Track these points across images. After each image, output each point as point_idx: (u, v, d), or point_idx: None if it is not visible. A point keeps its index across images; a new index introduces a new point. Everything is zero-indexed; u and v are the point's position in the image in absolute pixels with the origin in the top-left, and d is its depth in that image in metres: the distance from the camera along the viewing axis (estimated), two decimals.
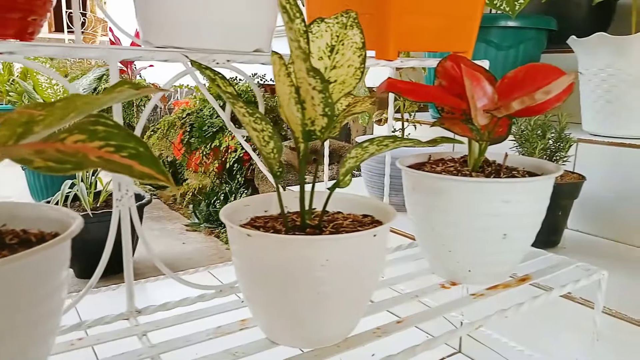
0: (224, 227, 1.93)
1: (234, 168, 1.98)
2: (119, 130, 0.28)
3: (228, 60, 0.50)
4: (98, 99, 0.30)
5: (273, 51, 0.39)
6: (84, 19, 8.13)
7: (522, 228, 0.51)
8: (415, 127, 1.20)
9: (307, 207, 0.43)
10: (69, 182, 1.32)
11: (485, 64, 0.72)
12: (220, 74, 0.43)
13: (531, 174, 0.57)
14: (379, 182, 1.13)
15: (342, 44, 0.45)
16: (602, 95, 0.99)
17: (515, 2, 0.99)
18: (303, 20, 0.38)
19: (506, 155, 0.58)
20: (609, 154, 0.95)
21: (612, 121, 0.98)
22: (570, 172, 0.91)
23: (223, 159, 2.15)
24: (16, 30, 0.44)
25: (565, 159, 0.88)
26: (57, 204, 1.29)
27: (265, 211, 0.49)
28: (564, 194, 0.85)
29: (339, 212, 0.49)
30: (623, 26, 1.16)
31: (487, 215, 0.49)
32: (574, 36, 1.02)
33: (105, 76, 2.65)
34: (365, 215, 0.47)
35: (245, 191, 1.88)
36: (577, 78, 1.08)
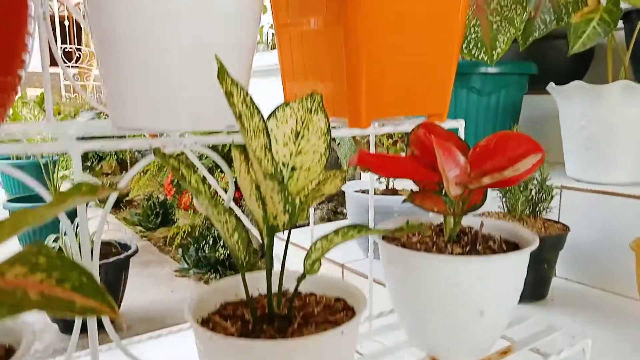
0: (214, 272, 1.91)
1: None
2: (61, 260, 0.27)
3: (196, 143, 0.49)
4: (50, 209, 0.29)
5: (234, 145, 0.39)
6: (79, 54, 8.24)
7: (500, 304, 0.50)
8: None
9: (277, 289, 0.42)
10: (52, 236, 1.30)
11: (460, 123, 0.72)
12: (184, 162, 0.43)
13: (507, 243, 0.56)
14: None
15: (307, 129, 0.44)
16: (582, 142, 0.99)
17: (493, 52, 1.00)
18: (261, 117, 0.38)
19: (482, 224, 0.58)
20: (592, 202, 0.95)
21: (593, 167, 0.99)
22: (554, 221, 0.90)
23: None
24: None
25: (548, 209, 0.88)
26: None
27: (236, 295, 0.48)
28: (549, 247, 0.85)
29: (312, 294, 0.48)
30: (602, 67, 1.17)
31: (462, 292, 0.48)
32: (552, 83, 1.03)
33: (99, 115, 2.66)
34: (337, 299, 0.46)
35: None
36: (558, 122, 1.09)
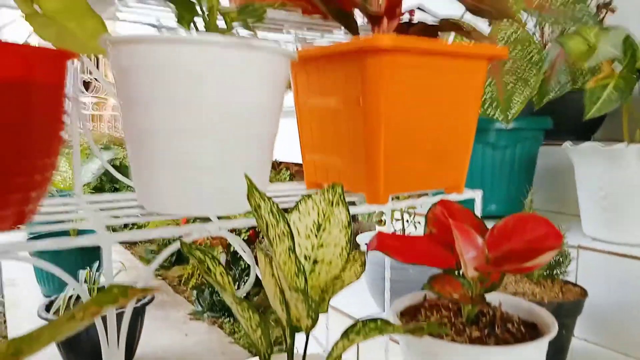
0: (228, 316, 1.91)
1: (238, 252, 1.98)
2: None
3: (220, 228, 0.51)
4: (85, 319, 0.30)
5: (260, 248, 0.40)
6: (97, 84, 8.46)
7: None
8: (416, 227, 1.21)
9: None
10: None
11: (477, 194, 0.73)
12: (210, 254, 0.44)
13: (526, 324, 0.56)
14: (380, 286, 1.12)
15: (329, 222, 0.46)
16: (599, 202, 0.99)
17: (508, 112, 1.02)
18: (286, 221, 0.39)
19: (500, 304, 0.58)
20: (611, 263, 0.94)
21: (611, 228, 0.98)
22: (572, 284, 0.89)
23: (227, 242, 2.15)
24: (14, 213, 0.45)
25: (565, 274, 0.87)
26: (58, 309, 1.29)
27: None
28: (567, 312, 0.84)
29: None
30: (618, 119, 1.17)
31: None
32: (568, 143, 1.04)
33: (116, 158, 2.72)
34: None
35: (248, 278, 1.87)
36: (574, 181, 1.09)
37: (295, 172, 2.68)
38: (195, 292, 1.98)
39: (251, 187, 0.35)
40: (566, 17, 1.06)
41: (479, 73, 0.65)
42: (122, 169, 3.85)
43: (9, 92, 0.39)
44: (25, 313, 1.79)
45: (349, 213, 0.46)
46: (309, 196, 0.46)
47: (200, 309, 1.87)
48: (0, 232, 0.43)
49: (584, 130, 1.41)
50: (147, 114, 0.49)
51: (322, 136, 0.68)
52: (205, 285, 1.93)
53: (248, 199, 0.36)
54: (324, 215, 0.46)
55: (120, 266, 1.79)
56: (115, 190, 4.38)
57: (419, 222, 1.21)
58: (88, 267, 1.39)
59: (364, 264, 0.49)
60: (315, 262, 0.45)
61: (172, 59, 0.46)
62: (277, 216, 0.38)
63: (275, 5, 0.62)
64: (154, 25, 0.59)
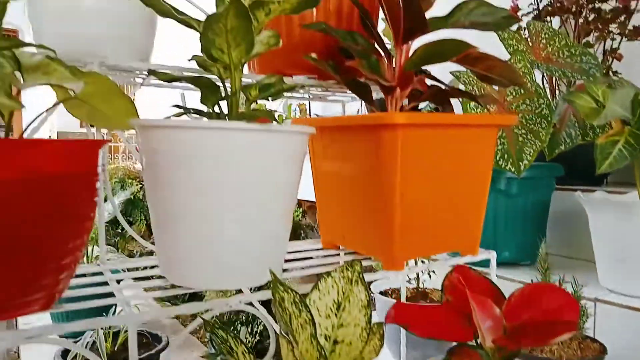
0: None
1: None
2: None
3: (240, 301, 0.52)
4: None
5: (281, 334, 0.41)
6: None
7: None
8: (430, 276, 1.21)
9: None
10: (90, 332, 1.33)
11: (492, 255, 0.74)
12: (232, 333, 0.45)
13: None
14: (396, 335, 1.11)
15: (348, 301, 0.47)
16: (615, 253, 0.99)
17: (520, 163, 1.03)
18: (308, 310, 0.41)
19: None
20: (629, 318, 0.93)
21: (629, 281, 0.98)
22: (590, 339, 0.89)
23: None
24: (44, 296, 0.47)
25: (583, 329, 0.87)
26: (75, 356, 1.29)
27: None
28: None
29: None
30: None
31: None
32: (580, 193, 1.05)
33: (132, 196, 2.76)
34: None
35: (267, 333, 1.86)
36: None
37: (307, 208, 2.70)
38: (209, 333, 1.97)
39: (275, 282, 0.37)
40: (573, 69, 1.08)
41: (490, 139, 0.67)
42: (137, 202, 3.89)
43: (47, 186, 0.41)
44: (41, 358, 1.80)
45: (368, 292, 0.47)
46: (329, 274, 0.48)
47: (213, 351, 1.86)
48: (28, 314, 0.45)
49: (597, 176, 1.41)
50: (172, 194, 0.51)
51: (338, 200, 0.69)
52: (218, 321, 1.92)
53: (272, 293, 0.37)
54: (343, 294, 0.47)
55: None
56: (130, 223, 4.40)
57: (433, 271, 1.21)
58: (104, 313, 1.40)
59: (382, 338, 0.50)
60: (335, 342, 0.46)
61: (197, 143, 0.49)
62: (300, 306, 0.40)
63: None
64: (179, 107, 0.62)
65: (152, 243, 0.59)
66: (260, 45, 0.58)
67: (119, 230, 4.41)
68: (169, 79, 0.51)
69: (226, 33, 0.49)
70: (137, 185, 4.08)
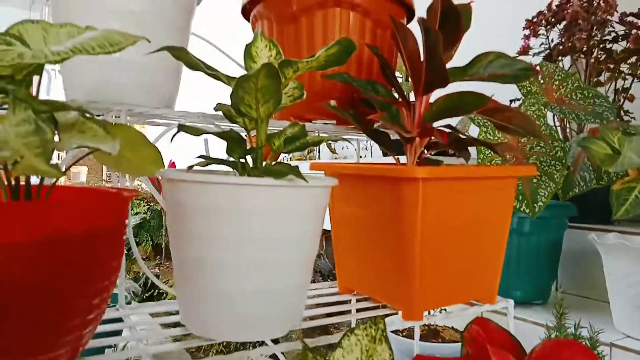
0: None
1: None
2: None
3: (262, 355, 0.52)
4: None
5: None
6: None
7: None
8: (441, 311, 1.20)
9: None
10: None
11: (510, 303, 0.74)
12: None
13: None
14: None
15: None
16: (630, 299, 0.98)
17: (534, 205, 1.03)
18: None
19: None
20: None
21: None
22: None
23: None
24: (68, 351, 0.47)
25: None
26: None
27: None
28: None
29: None
30: None
31: None
32: (594, 235, 1.04)
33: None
34: None
35: None
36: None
37: (324, 237, 2.70)
38: None
39: (305, 353, 0.37)
40: (587, 112, 1.09)
41: (509, 189, 0.68)
42: (144, 223, 3.89)
43: (74, 245, 0.42)
44: None
45: (391, 351, 0.47)
46: (352, 331, 0.48)
47: None
48: None
49: (610, 213, 1.41)
50: (195, 245, 0.52)
51: (357, 245, 0.70)
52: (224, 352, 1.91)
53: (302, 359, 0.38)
54: (367, 352, 0.47)
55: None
56: (137, 243, 4.39)
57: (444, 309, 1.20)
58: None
59: None
60: None
61: (221, 198, 0.49)
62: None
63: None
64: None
65: (157, 265, 0.59)
66: (285, 98, 0.59)
67: (125, 252, 4.39)
68: (199, 133, 0.53)
69: (256, 91, 0.50)
70: (144, 206, 4.09)
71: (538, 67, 1.21)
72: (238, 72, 0.59)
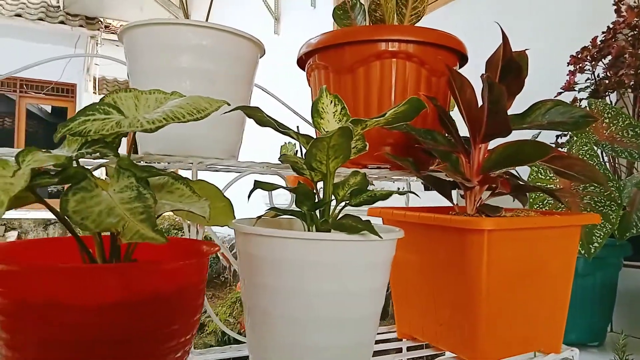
0: None
1: None
2: None
3: None
4: None
5: None
6: None
7: None
8: None
9: None
10: None
11: (575, 352, 0.72)
12: None
13: None
14: None
15: None
16: None
17: (590, 246, 1.01)
18: None
19: None
20: None
21: None
22: None
23: None
24: None
25: None
26: None
27: None
28: None
29: None
30: None
31: None
32: None
33: None
34: None
35: None
36: None
37: None
38: None
39: None
40: (639, 149, 1.07)
41: (573, 237, 0.67)
42: None
43: (166, 302, 0.44)
44: None
45: None
46: None
47: None
48: None
49: None
50: (266, 296, 0.53)
51: (418, 292, 0.70)
52: None
53: None
54: None
55: None
56: None
57: None
58: None
59: None
60: None
61: (290, 251, 0.51)
62: None
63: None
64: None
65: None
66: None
67: None
68: (273, 189, 0.55)
69: (328, 149, 0.52)
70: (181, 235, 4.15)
71: (585, 105, 1.20)
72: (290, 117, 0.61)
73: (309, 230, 0.58)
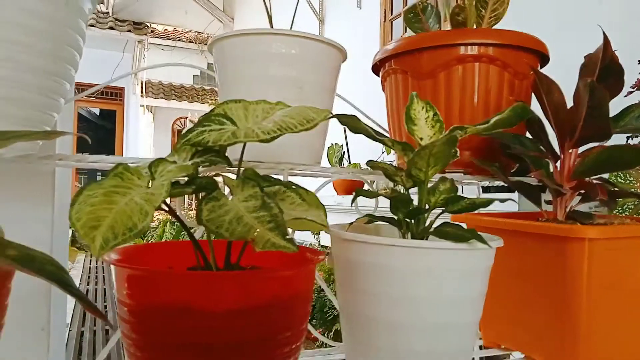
0: None
1: None
2: None
3: None
4: None
5: None
6: None
7: None
8: None
9: None
10: None
11: None
12: None
13: None
14: None
15: None
16: None
17: None
18: None
19: None
20: None
21: None
22: None
23: None
24: None
25: None
26: None
27: None
28: None
29: None
30: None
31: None
32: None
33: None
34: None
35: None
36: None
37: None
38: None
39: None
40: None
41: None
42: None
43: (283, 308, 0.45)
44: None
45: None
46: None
47: None
48: None
49: None
50: (364, 302, 0.54)
51: (508, 299, 0.69)
52: None
53: None
54: None
55: None
56: None
57: None
58: None
59: None
60: None
61: (389, 258, 0.51)
62: None
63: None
64: None
65: None
66: None
67: None
68: (374, 196, 0.55)
69: (429, 156, 0.53)
70: None
71: None
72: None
73: (403, 237, 0.58)
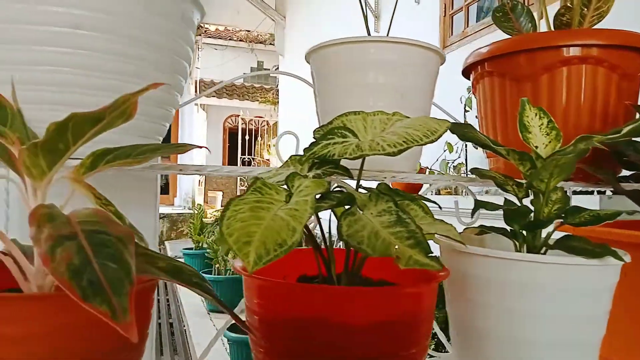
0: None
1: None
2: None
3: None
4: None
5: None
6: (253, 162, 9.37)
7: None
8: None
9: None
10: None
11: None
12: None
13: None
14: None
15: None
16: None
17: None
18: None
19: None
20: None
21: None
22: None
23: None
24: None
25: None
26: None
27: None
28: None
29: None
30: None
31: None
32: None
33: None
34: None
35: None
36: None
37: None
38: None
39: None
40: None
41: None
42: None
43: (411, 324, 0.45)
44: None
45: None
46: None
47: None
48: None
49: None
50: (483, 315, 0.52)
51: (621, 315, 0.66)
52: None
53: None
54: None
55: None
56: None
57: None
58: None
59: None
60: None
61: (514, 273, 0.50)
62: None
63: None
64: None
65: None
66: None
67: None
68: (495, 209, 0.54)
69: (554, 167, 0.51)
70: None
71: None
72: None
73: (519, 250, 0.56)
